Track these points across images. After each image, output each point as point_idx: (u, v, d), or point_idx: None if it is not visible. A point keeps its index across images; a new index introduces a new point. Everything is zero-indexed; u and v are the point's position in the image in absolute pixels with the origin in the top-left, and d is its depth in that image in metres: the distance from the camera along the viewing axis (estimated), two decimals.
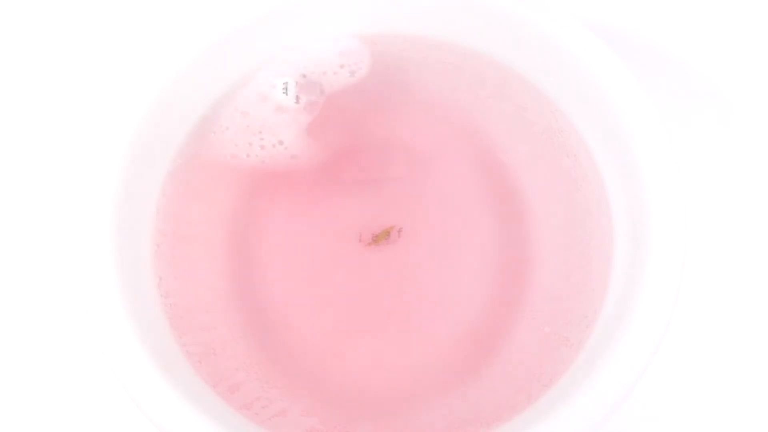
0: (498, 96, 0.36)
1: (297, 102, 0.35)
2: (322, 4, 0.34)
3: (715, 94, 0.39)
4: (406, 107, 0.37)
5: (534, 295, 0.34)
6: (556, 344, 0.32)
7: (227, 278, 0.35)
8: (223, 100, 0.35)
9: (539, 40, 0.33)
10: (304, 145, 0.35)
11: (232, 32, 0.33)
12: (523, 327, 0.34)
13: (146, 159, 0.33)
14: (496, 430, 0.30)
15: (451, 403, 0.33)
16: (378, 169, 0.37)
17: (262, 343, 0.34)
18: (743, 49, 0.40)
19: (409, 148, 0.37)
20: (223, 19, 0.33)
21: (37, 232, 0.38)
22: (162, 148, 0.34)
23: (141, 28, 0.41)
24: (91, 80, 0.40)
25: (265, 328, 0.34)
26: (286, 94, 0.34)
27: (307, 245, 0.36)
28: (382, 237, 0.35)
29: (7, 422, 0.35)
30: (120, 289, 0.30)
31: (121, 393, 0.35)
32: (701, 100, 0.39)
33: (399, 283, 0.35)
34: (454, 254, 0.36)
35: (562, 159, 0.35)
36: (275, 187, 0.36)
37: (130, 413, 0.35)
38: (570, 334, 0.32)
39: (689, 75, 0.40)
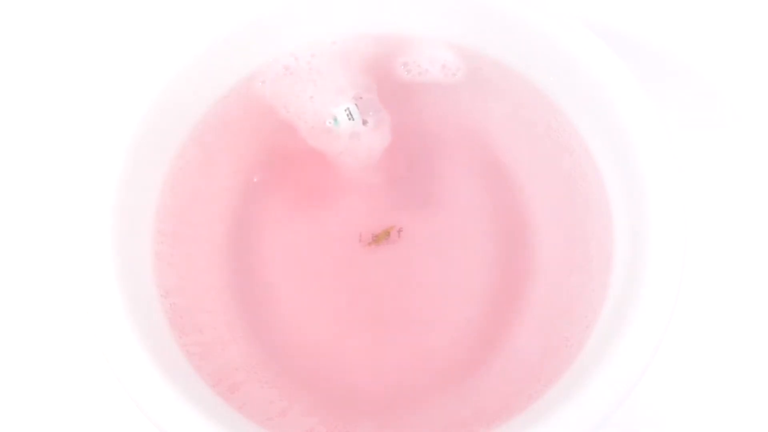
0: (498, 96, 0.36)
1: (365, 124, 0.34)
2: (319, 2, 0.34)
3: (715, 94, 0.39)
4: (406, 107, 0.37)
5: (534, 295, 0.34)
6: (556, 344, 0.32)
7: (227, 278, 0.35)
8: (226, 99, 0.36)
9: (539, 40, 0.33)
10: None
11: (236, 30, 0.34)
12: (522, 327, 0.34)
13: (146, 159, 0.33)
14: (496, 430, 0.30)
15: (451, 403, 0.33)
16: (378, 169, 0.37)
17: (262, 343, 0.34)
18: (743, 48, 0.40)
19: (409, 148, 0.37)
20: (219, 19, 0.33)
21: (36, 233, 0.38)
22: (162, 148, 0.34)
23: (141, 28, 0.41)
24: (90, 81, 0.40)
25: (265, 328, 0.34)
26: (353, 119, 0.34)
27: (307, 245, 0.36)
28: (382, 237, 0.35)
29: (7, 422, 0.35)
30: (120, 288, 0.29)
31: (121, 393, 0.35)
32: (701, 99, 0.39)
33: (399, 283, 0.35)
34: (454, 254, 0.36)
35: (562, 159, 0.35)
36: (275, 187, 0.36)
37: (130, 413, 0.35)
38: (570, 334, 0.32)
39: (689, 75, 0.40)
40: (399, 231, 0.36)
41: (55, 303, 0.37)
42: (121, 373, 0.28)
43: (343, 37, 0.36)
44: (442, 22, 0.35)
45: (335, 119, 0.34)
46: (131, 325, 0.29)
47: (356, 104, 0.35)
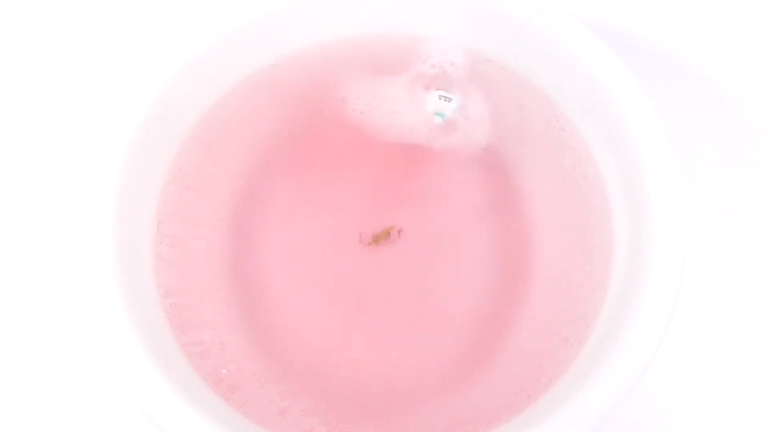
0: (498, 96, 0.36)
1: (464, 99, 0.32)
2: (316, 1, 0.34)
3: (716, 94, 0.39)
4: None
5: (534, 295, 0.34)
6: (556, 344, 0.32)
7: (227, 278, 0.35)
8: (227, 98, 0.36)
9: (539, 40, 0.33)
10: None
11: (238, 29, 0.34)
12: (523, 327, 0.34)
13: (146, 159, 0.33)
14: (496, 430, 0.30)
15: (451, 403, 0.33)
16: (378, 170, 0.37)
17: (262, 343, 0.34)
18: (744, 48, 0.40)
19: (409, 147, 0.37)
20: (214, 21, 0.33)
21: (35, 232, 0.38)
22: (163, 147, 0.34)
23: (141, 27, 0.41)
24: (91, 80, 0.40)
25: (265, 328, 0.34)
26: (450, 100, 0.32)
27: (307, 245, 0.36)
28: (382, 237, 0.35)
29: (7, 422, 0.35)
30: (120, 288, 0.29)
31: (121, 393, 0.35)
32: (702, 99, 0.39)
33: (399, 283, 0.35)
34: (454, 254, 0.36)
35: (562, 159, 0.35)
36: (276, 187, 0.36)
37: (130, 413, 0.35)
38: (570, 334, 0.32)
39: (690, 75, 0.40)
40: (399, 231, 0.36)
41: (55, 303, 0.37)
42: (121, 373, 0.28)
43: (345, 38, 0.36)
44: (444, 22, 0.35)
45: (437, 113, 0.32)
46: (131, 325, 0.29)
47: (437, 87, 0.32)
